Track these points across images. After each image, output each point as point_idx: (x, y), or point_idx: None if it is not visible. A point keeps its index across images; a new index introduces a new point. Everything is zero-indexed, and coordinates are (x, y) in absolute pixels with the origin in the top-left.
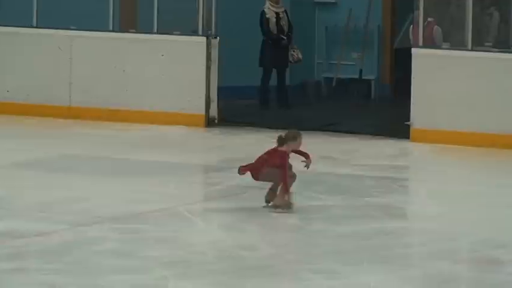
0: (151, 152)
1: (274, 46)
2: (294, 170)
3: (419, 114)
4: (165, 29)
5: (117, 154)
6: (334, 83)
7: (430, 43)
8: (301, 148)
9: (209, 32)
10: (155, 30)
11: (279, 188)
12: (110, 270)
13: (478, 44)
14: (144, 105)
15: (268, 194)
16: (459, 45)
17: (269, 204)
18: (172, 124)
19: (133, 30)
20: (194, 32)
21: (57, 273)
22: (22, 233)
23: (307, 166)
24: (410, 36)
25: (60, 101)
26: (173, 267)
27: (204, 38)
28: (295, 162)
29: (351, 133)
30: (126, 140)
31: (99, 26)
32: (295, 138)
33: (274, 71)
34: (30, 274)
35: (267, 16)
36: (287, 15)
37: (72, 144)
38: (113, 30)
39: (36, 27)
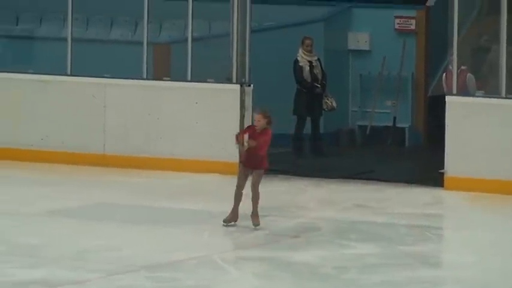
0: (185, 200)
1: (308, 94)
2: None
3: (453, 162)
4: (198, 76)
5: (152, 202)
6: (368, 131)
7: (463, 91)
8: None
9: (243, 79)
10: (189, 78)
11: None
12: None
13: None
14: (178, 153)
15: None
16: (493, 92)
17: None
18: (206, 172)
19: (167, 78)
20: (228, 80)
21: None
22: (57, 281)
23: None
24: (444, 84)
25: (95, 149)
26: None
27: (238, 86)
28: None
29: (384, 181)
30: (160, 188)
31: (133, 73)
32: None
33: (308, 119)
34: None
35: (300, 64)
36: (320, 63)
37: (106, 192)
38: (146, 78)
39: (70, 75)
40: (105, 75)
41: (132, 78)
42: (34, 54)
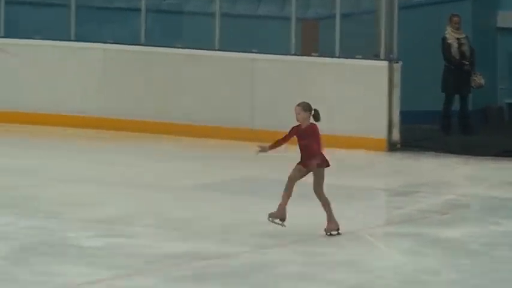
0: (333, 175)
1: (456, 72)
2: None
3: None
4: (346, 53)
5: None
6: None
7: None
8: None
9: (391, 56)
10: (337, 54)
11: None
12: None
13: None
14: (325, 129)
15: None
16: None
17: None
18: (354, 148)
19: (315, 54)
20: (376, 57)
21: None
22: (205, 254)
23: None
24: None
25: (243, 124)
26: None
27: (386, 63)
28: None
29: None
30: None
31: (280, 49)
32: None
33: (456, 96)
34: None
35: (449, 41)
36: (468, 41)
37: (253, 167)
38: (294, 54)
39: (218, 49)
40: (253, 51)
41: (280, 54)
42: (182, 29)
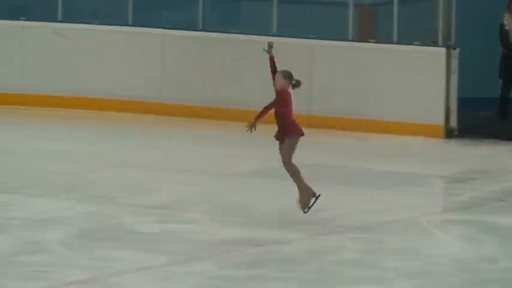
0: (390, 162)
1: None
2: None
3: None
4: (404, 39)
5: (356, 164)
6: None
7: None
8: None
9: (449, 43)
10: (395, 41)
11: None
12: (348, 280)
13: None
14: (383, 115)
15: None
16: None
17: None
18: (411, 134)
19: (373, 40)
20: (434, 43)
21: (295, 281)
22: (260, 241)
23: None
24: None
25: (300, 110)
26: (412, 278)
27: (444, 49)
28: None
29: None
30: (366, 149)
31: (338, 35)
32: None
33: None
34: (268, 282)
35: (506, 28)
36: None
37: (312, 154)
38: (352, 40)
39: (276, 35)
40: (311, 37)
41: (338, 40)
42: (240, 14)
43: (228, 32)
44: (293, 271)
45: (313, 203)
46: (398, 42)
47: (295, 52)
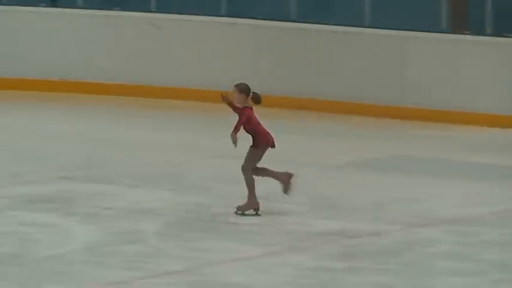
0: (483, 154)
1: None
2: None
3: None
4: (497, 31)
5: (450, 156)
6: None
7: None
8: None
9: None
10: (488, 32)
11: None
12: (443, 273)
13: None
14: (477, 107)
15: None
16: None
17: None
18: (506, 127)
19: (467, 32)
20: None
21: (389, 273)
22: (355, 232)
23: None
24: None
25: (393, 101)
26: (509, 271)
27: None
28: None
29: None
30: (459, 141)
31: (429, 26)
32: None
33: None
34: (361, 274)
35: None
36: None
37: (404, 145)
38: (444, 32)
39: (369, 26)
40: (403, 28)
41: (430, 31)
42: (333, 5)
43: (320, 23)
44: (389, 263)
45: (246, 213)
46: (492, 34)
47: (388, 43)
